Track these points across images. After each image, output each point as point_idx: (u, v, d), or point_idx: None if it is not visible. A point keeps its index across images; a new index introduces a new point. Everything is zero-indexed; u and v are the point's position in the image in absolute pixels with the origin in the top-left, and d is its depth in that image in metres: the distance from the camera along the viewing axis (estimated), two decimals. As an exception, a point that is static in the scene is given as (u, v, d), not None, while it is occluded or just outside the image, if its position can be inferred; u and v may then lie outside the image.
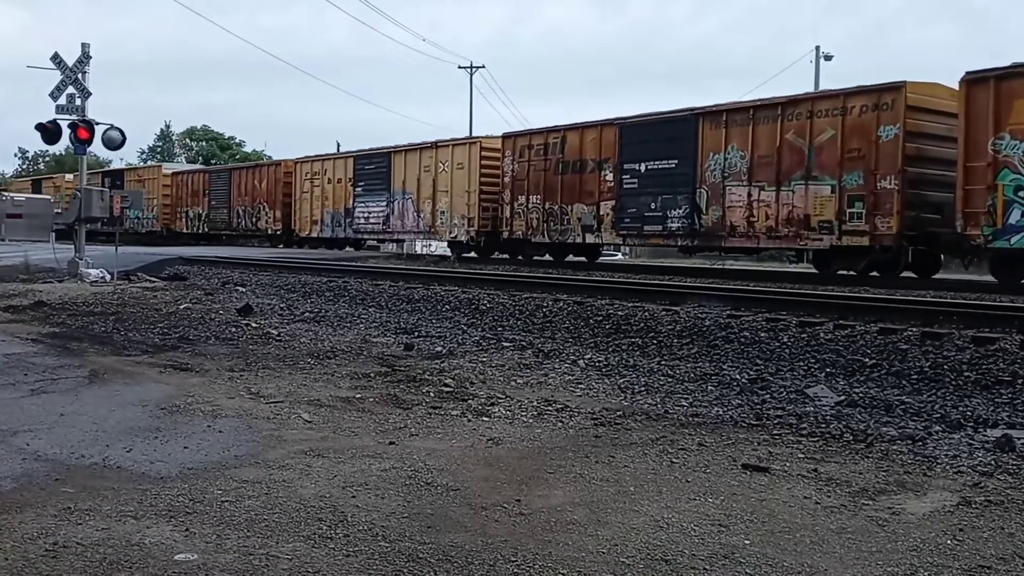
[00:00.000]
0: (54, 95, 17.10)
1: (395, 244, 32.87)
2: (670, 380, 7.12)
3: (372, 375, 7.16)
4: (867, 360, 7.68)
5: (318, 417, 5.64)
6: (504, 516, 3.77)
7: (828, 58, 43.27)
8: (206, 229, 38.59)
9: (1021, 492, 4.15)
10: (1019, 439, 5.00)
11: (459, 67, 57.05)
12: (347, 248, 31.54)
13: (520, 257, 24.12)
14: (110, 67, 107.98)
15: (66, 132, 17.22)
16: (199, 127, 75.38)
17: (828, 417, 5.71)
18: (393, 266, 20.16)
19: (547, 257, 23.96)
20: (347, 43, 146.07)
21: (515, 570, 3.19)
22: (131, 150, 76.73)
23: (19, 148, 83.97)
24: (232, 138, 73.17)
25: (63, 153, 65.37)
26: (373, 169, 29.21)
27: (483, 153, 24.82)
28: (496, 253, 25.41)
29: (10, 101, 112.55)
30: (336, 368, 7.52)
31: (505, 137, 24.16)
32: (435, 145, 26.59)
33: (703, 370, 7.55)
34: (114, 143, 17.72)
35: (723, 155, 18.21)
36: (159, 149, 75.16)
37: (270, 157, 56.48)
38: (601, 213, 21.17)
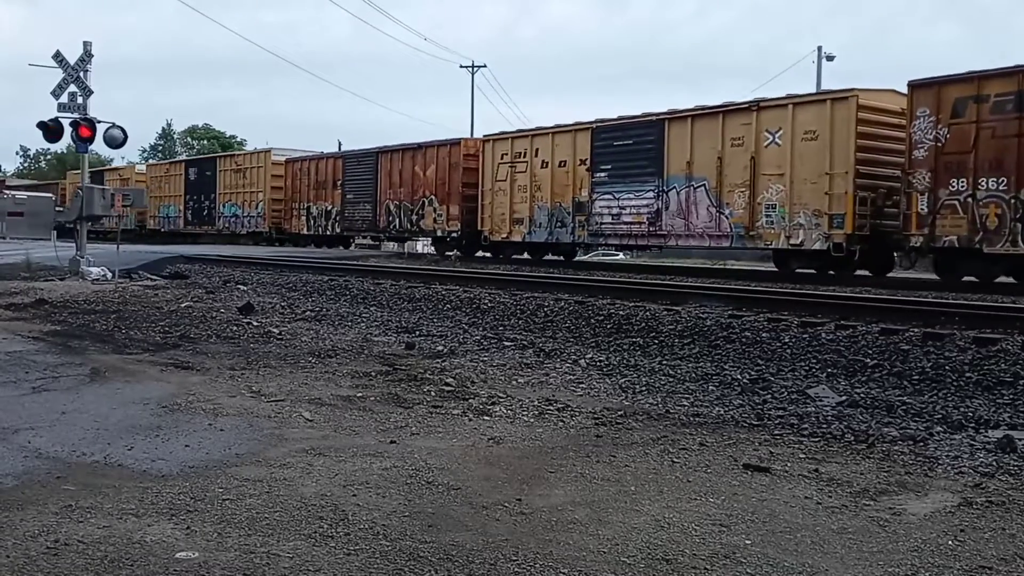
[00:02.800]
0: (56, 93, 17.10)
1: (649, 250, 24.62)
2: (671, 380, 7.12)
3: (373, 374, 7.16)
4: (868, 360, 7.67)
5: (319, 416, 5.64)
6: (505, 515, 3.77)
7: (830, 58, 43.35)
8: (337, 230, 30.58)
9: (1022, 493, 4.14)
10: (1020, 440, 4.99)
11: (460, 66, 56.95)
12: (548, 255, 23.94)
13: (936, 276, 15.76)
14: (111, 65, 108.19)
15: (68, 130, 17.23)
16: (200, 125, 75.58)
17: (829, 417, 5.71)
18: (394, 265, 20.17)
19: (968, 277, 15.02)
20: (348, 41, 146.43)
21: (516, 569, 3.18)
22: (133, 148, 76.93)
23: (20, 146, 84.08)
24: (233, 136, 73.28)
25: (65, 151, 65.42)
26: (630, 145, 20.28)
27: (861, 115, 16.30)
28: (859, 269, 17.19)
29: (11, 99, 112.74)
30: (337, 367, 7.52)
31: (916, 87, 15.32)
32: (755, 106, 17.92)
33: (704, 370, 7.55)
34: (116, 141, 17.72)
35: None
36: (161, 147, 75.27)
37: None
38: None
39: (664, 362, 8.00)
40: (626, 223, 20.52)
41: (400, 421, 5.53)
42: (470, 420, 5.61)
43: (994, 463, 4.63)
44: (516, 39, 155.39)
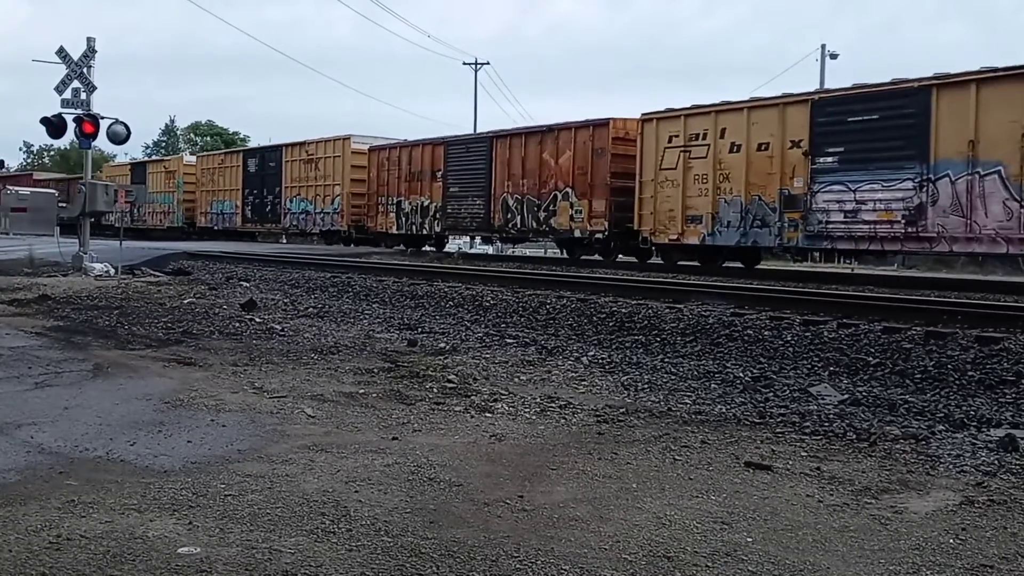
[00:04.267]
0: (59, 89, 17.12)
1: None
2: (673, 378, 7.12)
3: (375, 371, 7.17)
4: (871, 359, 7.67)
5: (321, 412, 5.64)
6: (507, 512, 3.77)
7: (834, 56, 43.34)
8: (437, 229, 26.19)
9: (1024, 492, 4.14)
10: (1022, 439, 4.99)
11: (464, 63, 56.89)
12: (727, 261, 19.35)
13: None
14: (114, 61, 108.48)
15: (71, 126, 17.26)
16: (204, 122, 75.50)
17: (831, 416, 5.71)
18: (397, 262, 20.17)
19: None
20: (352, 38, 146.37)
21: (517, 566, 3.19)
22: (136, 144, 77.04)
23: (24, 142, 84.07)
24: (236, 133, 73.24)
25: (68, 147, 65.40)
26: (874, 122, 15.66)
27: None
28: None
29: (15, 95, 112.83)
30: (339, 363, 7.52)
31: None
32: None
33: (706, 368, 7.55)
34: (119, 137, 17.76)
35: None
36: (164, 144, 75.28)
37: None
38: None
39: (666, 360, 8.00)
40: (868, 221, 15.77)
41: (402, 418, 5.53)
42: (472, 417, 5.61)
43: (996, 462, 4.63)
44: (520, 37, 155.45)
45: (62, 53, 17.08)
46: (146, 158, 47.99)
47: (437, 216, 25.91)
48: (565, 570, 3.15)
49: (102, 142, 18.37)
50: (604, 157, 20.70)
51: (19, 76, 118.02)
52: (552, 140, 22.23)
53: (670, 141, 19.03)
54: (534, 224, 22.82)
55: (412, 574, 3.10)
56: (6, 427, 5.07)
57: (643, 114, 19.76)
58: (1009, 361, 7.21)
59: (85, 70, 17.11)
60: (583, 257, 21.92)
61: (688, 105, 18.95)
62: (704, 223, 18.42)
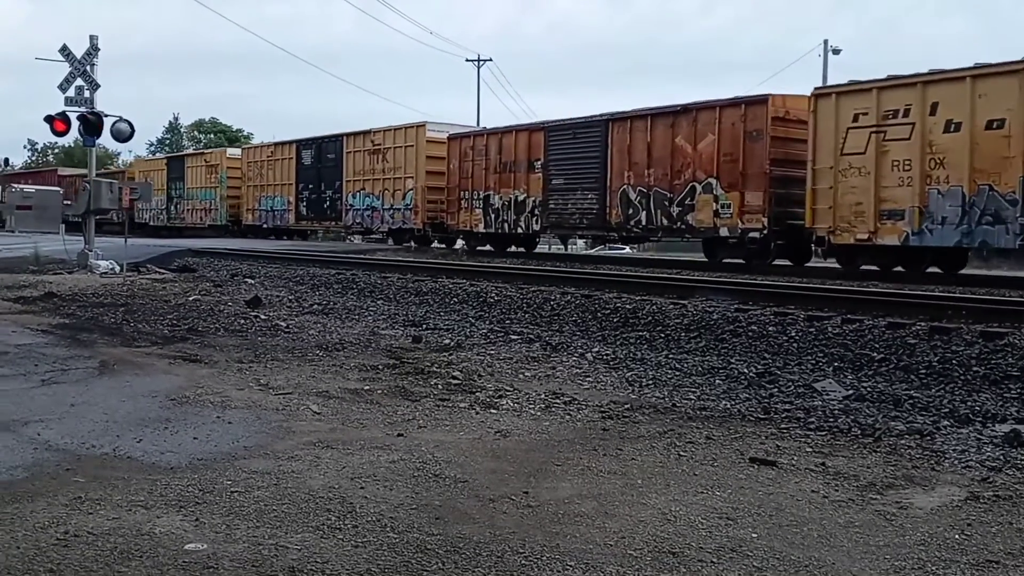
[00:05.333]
0: (63, 87, 17.16)
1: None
2: (678, 373, 7.12)
3: (380, 367, 7.18)
4: (875, 355, 7.67)
5: (327, 409, 5.66)
6: (512, 508, 3.78)
7: (836, 52, 43.21)
8: (535, 226, 22.73)
9: (1029, 487, 4.14)
10: (1028, 434, 4.98)
11: (466, 60, 56.76)
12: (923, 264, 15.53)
13: None
14: (117, 59, 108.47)
15: (75, 124, 17.29)
16: (207, 119, 75.58)
17: (836, 411, 5.70)
18: (401, 259, 20.18)
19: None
20: (354, 35, 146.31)
21: (523, 562, 3.20)
22: (140, 142, 77.13)
23: (28, 140, 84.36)
24: (240, 130, 73.28)
25: (72, 145, 65.45)
26: None
27: None
28: None
29: (20, 93, 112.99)
30: (345, 360, 7.54)
31: None
32: None
33: (711, 364, 7.55)
34: (123, 135, 17.79)
35: None
36: (167, 141, 75.37)
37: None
38: None
39: (670, 356, 8.00)
40: None
41: (407, 414, 5.54)
42: (477, 413, 5.62)
43: (1001, 457, 4.62)
44: (521, 34, 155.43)
45: (65, 51, 17.11)
46: (189, 151, 45.24)
47: (536, 212, 22.51)
48: (570, 566, 3.16)
49: (106, 139, 18.43)
50: (760, 141, 17.38)
51: (22, 74, 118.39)
52: (688, 122, 18.78)
53: (856, 120, 15.63)
54: (664, 221, 19.37)
55: (418, 570, 3.11)
56: (13, 424, 5.09)
57: (816, 89, 16.76)
58: (1014, 356, 7.20)
59: (88, 68, 17.14)
60: (725, 260, 18.47)
61: (882, 76, 15.63)
62: (907, 219, 15.00)
